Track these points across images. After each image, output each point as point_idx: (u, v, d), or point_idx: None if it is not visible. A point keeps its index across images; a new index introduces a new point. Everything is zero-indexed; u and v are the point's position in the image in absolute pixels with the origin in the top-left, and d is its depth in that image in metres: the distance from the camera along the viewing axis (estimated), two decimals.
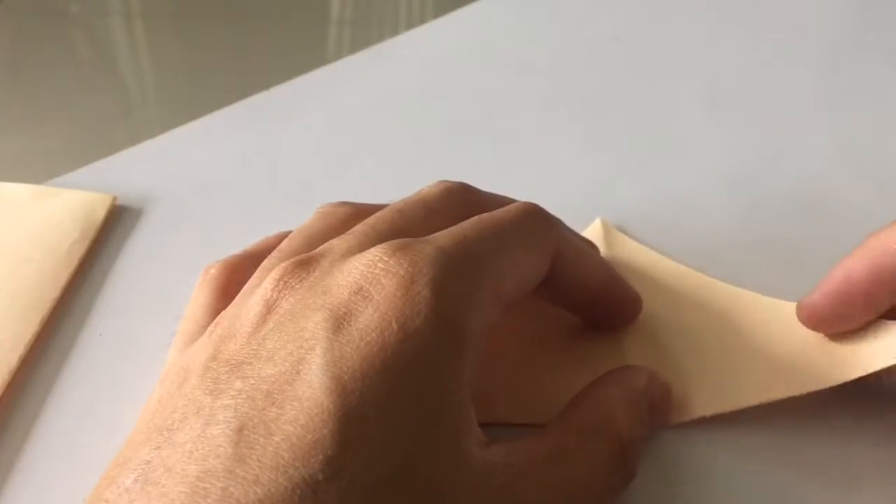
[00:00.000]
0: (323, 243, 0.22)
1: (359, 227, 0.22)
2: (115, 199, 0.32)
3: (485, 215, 0.22)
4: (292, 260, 0.20)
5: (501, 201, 0.24)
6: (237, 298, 0.21)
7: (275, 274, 0.20)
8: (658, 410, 0.23)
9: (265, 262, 0.22)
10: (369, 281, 0.18)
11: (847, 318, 0.23)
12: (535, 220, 0.23)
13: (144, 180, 0.33)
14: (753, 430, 0.24)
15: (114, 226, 0.31)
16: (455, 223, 0.21)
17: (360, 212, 0.24)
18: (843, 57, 0.40)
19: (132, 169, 0.34)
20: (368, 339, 0.17)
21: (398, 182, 0.33)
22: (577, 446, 0.20)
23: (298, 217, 0.29)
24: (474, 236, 0.20)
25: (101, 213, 0.31)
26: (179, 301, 0.29)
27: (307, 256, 0.20)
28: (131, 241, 0.31)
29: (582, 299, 0.24)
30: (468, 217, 0.22)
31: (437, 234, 0.20)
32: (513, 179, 0.33)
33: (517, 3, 0.44)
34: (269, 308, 0.19)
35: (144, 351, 0.27)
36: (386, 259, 0.19)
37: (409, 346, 0.17)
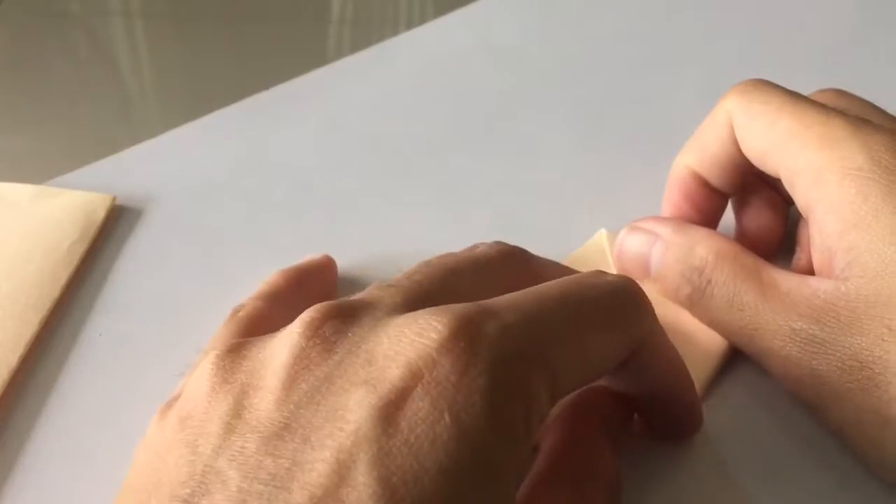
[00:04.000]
0: None
1: (404, 281, 0.20)
2: (114, 199, 0.31)
3: (570, 285, 0.19)
4: (329, 304, 0.18)
5: (563, 271, 0.23)
6: (251, 342, 0.19)
7: (306, 317, 0.18)
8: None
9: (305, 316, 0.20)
10: (421, 356, 0.16)
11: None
12: (626, 306, 0.20)
13: (144, 180, 0.33)
14: (753, 432, 0.24)
15: (114, 226, 0.31)
16: (506, 291, 0.19)
17: None
18: (843, 57, 0.39)
19: (132, 169, 0.34)
20: (418, 432, 0.16)
21: (398, 183, 0.33)
22: (584, 502, 0.20)
23: (298, 217, 0.29)
24: (546, 317, 0.18)
25: (100, 214, 0.31)
26: (179, 301, 0.29)
27: (348, 304, 0.18)
28: (131, 241, 0.31)
29: (644, 399, 0.22)
30: (522, 285, 0.19)
31: (503, 304, 0.18)
32: (512, 179, 0.33)
33: (517, 3, 0.44)
34: (299, 361, 0.17)
35: (144, 351, 0.27)
36: (441, 330, 0.17)
37: (462, 444, 0.16)
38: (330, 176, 0.34)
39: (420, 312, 0.17)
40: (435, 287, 0.19)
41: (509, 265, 0.22)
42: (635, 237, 0.27)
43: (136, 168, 0.34)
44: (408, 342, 0.17)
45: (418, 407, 0.16)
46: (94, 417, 0.25)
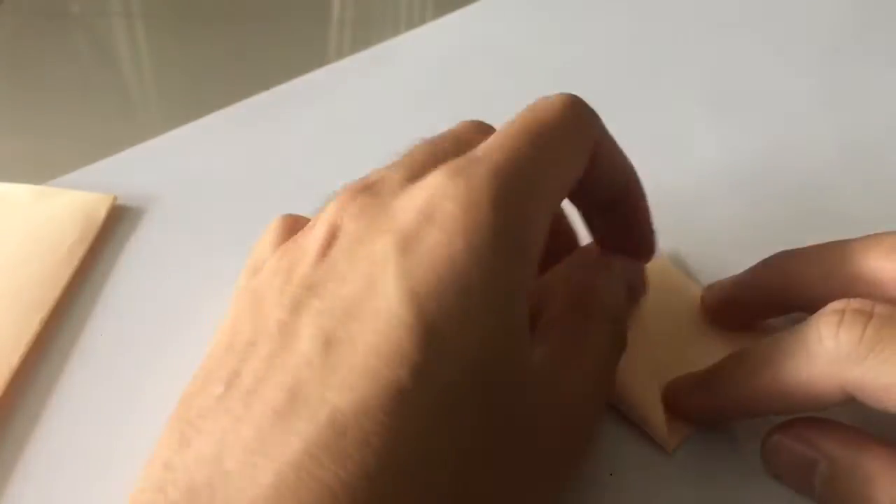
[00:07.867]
0: None
1: (404, 160, 0.23)
2: (115, 199, 0.32)
3: (531, 119, 0.22)
4: (351, 186, 0.22)
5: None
6: (303, 230, 0.22)
7: (336, 200, 0.21)
8: (637, 289, 0.26)
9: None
10: (432, 206, 0.19)
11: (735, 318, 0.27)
12: (579, 116, 0.23)
13: (144, 180, 0.33)
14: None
15: (114, 226, 0.31)
16: None
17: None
18: (843, 57, 0.40)
19: (132, 169, 0.34)
20: (436, 254, 0.18)
21: None
22: (591, 331, 0.22)
23: None
24: (525, 147, 0.21)
25: (101, 213, 0.31)
26: (179, 301, 0.29)
27: (366, 183, 0.22)
28: (131, 241, 0.31)
29: (606, 197, 0.25)
30: None
31: (488, 148, 0.21)
32: None
33: (517, 3, 0.44)
34: (334, 232, 0.20)
35: (144, 351, 0.27)
36: (446, 182, 0.19)
37: (474, 257, 0.18)
38: (330, 176, 0.34)
39: (427, 176, 0.20)
40: (428, 163, 0.22)
41: (481, 131, 0.24)
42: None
43: (137, 168, 0.34)
44: (421, 199, 0.19)
45: (436, 238, 0.19)
46: (95, 417, 0.25)
